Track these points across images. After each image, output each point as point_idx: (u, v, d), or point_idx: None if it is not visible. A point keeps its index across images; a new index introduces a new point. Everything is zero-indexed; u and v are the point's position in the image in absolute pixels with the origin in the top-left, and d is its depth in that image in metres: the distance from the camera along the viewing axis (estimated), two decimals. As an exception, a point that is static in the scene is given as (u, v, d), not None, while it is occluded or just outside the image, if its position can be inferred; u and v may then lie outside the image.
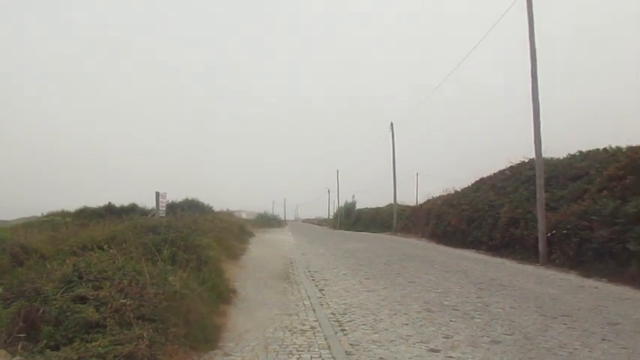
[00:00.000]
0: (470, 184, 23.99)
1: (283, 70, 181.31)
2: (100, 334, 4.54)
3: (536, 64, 14.45)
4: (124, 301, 5.11)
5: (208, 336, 5.84)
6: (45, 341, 4.38)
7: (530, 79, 14.54)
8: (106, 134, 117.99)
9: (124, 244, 8.33)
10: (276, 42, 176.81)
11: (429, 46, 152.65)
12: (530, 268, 12.92)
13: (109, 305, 4.97)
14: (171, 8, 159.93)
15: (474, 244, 18.91)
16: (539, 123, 14.50)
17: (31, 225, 20.39)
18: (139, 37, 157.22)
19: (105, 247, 8.09)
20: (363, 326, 6.73)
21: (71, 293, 5.17)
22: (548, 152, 16.31)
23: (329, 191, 79.45)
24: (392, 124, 38.18)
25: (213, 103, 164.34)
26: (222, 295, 8.30)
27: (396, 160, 38.79)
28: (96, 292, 5.20)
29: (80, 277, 5.68)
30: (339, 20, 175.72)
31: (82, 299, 5.12)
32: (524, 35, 14.66)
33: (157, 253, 7.96)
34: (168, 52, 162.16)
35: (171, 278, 6.36)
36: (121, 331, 4.63)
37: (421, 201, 37.22)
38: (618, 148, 14.94)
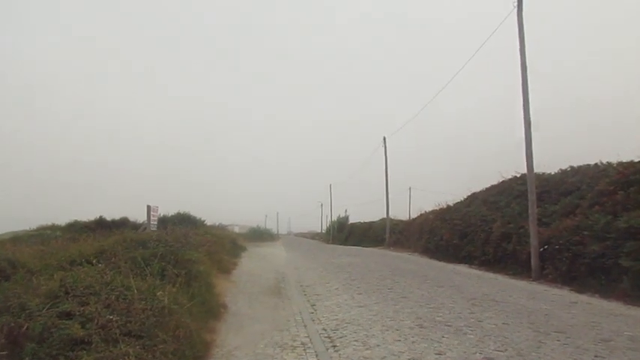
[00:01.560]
0: (462, 199, 24.02)
1: (276, 83, 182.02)
2: (85, 352, 4.44)
3: (527, 81, 14.58)
4: (111, 317, 5.01)
5: (197, 353, 5.74)
6: (28, 359, 4.28)
7: (522, 95, 14.65)
8: (97, 147, 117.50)
9: (113, 259, 8.21)
10: (267, 58, 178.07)
11: (424, 57, 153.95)
12: (522, 284, 12.89)
13: (95, 321, 4.87)
14: (159, 20, 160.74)
15: (467, 259, 18.88)
16: (531, 138, 14.59)
17: (20, 239, 20.14)
18: (131, 52, 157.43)
19: (93, 261, 7.96)
20: (355, 342, 6.65)
21: (56, 309, 5.07)
22: (540, 167, 16.40)
23: (322, 205, 79.33)
24: (384, 138, 38.31)
25: (206, 117, 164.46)
26: (212, 310, 8.20)
27: (388, 174, 38.89)
28: (82, 308, 5.10)
29: (67, 293, 5.58)
30: (329, 32, 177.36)
31: (68, 315, 5.02)
32: (521, 45, 14.80)
33: (146, 268, 7.85)
34: (161, 69, 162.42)
35: (159, 293, 6.26)
36: (106, 348, 4.54)
37: (414, 215, 37.23)
38: (609, 164, 15.03)
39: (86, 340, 4.62)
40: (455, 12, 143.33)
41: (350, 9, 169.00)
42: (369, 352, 6.16)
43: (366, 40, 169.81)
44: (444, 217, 23.71)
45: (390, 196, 39.12)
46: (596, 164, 16.03)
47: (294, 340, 6.88)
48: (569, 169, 17.39)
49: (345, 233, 54.52)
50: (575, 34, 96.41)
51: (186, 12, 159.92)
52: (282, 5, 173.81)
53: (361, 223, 52.06)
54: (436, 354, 5.99)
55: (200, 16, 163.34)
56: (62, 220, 30.15)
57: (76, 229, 25.29)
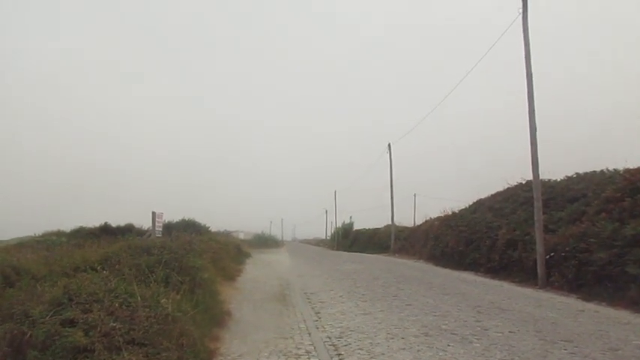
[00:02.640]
0: (467, 205, 23.93)
1: (280, 90, 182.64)
2: (88, 359, 4.41)
3: (532, 87, 14.53)
4: (114, 324, 4.99)
5: (201, 361, 5.70)
6: (30, 366, 4.26)
7: (527, 102, 14.61)
8: (103, 152, 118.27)
9: (117, 266, 8.20)
10: (270, 64, 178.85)
11: (429, 63, 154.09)
12: (529, 291, 12.78)
13: (98, 329, 4.85)
14: (164, 29, 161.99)
15: (472, 266, 18.76)
16: (537, 145, 14.52)
17: (25, 244, 20.22)
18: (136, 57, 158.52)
19: (98, 268, 7.96)
20: (360, 351, 6.59)
21: (60, 316, 5.04)
22: (545, 174, 16.32)
23: (326, 212, 79.22)
24: (389, 145, 38.29)
25: (211, 123, 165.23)
26: (216, 317, 8.17)
27: (393, 181, 38.82)
28: (85, 316, 5.07)
29: (70, 300, 5.55)
30: (331, 34, 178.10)
31: (71, 323, 4.99)
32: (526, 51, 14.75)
33: (150, 275, 7.84)
34: (165, 74, 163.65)
35: (163, 301, 6.24)
36: (109, 356, 4.52)
37: (419, 222, 37.12)
38: (615, 170, 14.94)
39: (89, 348, 4.59)
40: (458, 18, 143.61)
41: (350, 15, 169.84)
42: (373, 360, 6.11)
43: (368, 45, 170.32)
44: (449, 223, 23.61)
45: (395, 202, 39.08)
46: (602, 171, 15.95)
47: (299, 349, 6.83)
48: (574, 175, 17.31)
49: (350, 240, 54.41)
50: (578, 39, 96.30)
51: (186, 15, 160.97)
52: (282, 9, 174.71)
53: (366, 229, 51.97)
54: (441, 363, 5.93)
55: (200, 16, 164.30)
56: (67, 226, 30.28)
57: (81, 235, 25.38)
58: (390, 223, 39.31)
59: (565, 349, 6.51)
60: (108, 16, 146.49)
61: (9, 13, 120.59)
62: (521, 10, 14.74)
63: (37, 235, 28.49)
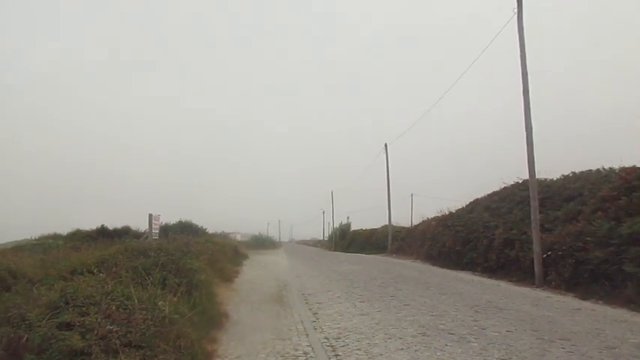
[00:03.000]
0: (464, 205, 23.95)
1: (278, 91, 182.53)
2: (85, 363, 4.40)
3: (527, 87, 14.55)
4: (111, 327, 4.97)
5: (198, 363, 5.70)
6: (27, 370, 4.25)
7: (523, 101, 14.64)
8: (100, 154, 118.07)
9: (114, 268, 8.20)
10: (268, 66, 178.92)
11: (427, 64, 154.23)
12: (526, 290, 12.81)
13: (95, 332, 4.84)
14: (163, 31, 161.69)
15: (469, 266, 18.78)
16: (533, 144, 14.56)
17: (22, 248, 20.15)
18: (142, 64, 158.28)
19: (95, 271, 7.95)
20: (357, 351, 6.59)
21: (56, 320, 5.03)
22: (541, 173, 16.34)
23: (324, 212, 79.27)
24: (386, 145, 38.34)
25: (208, 125, 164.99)
26: (213, 319, 8.17)
27: (390, 181, 38.89)
28: (82, 319, 5.06)
29: (67, 303, 5.54)
30: (331, 34, 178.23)
31: (68, 326, 4.98)
32: (521, 51, 14.78)
33: (147, 277, 7.83)
34: (162, 75, 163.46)
35: (160, 303, 6.24)
36: (106, 359, 4.50)
37: (416, 222, 37.16)
38: (611, 169, 14.98)
39: (86, 351, 4.58)
40: (458, 18, 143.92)
41: (350, 15, 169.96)
42: (371, 361, 6.11)
43: (368, 45, 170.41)
44: (446, 223, 23.63)
45: (392, 202, 39.13)
46: (598, 170, 15.98)
47: (296, 350, 6.83)
48: (571, 174, 17.34)
49: (348, 240, 54.40)
50: (578, 39, 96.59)
51: (186, 15, 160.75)
52: (282, 9, 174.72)
53: (363, 230, 51.96)
54: (439, 363, 5.93)
55: (200, 16, 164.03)
56: (64, 228, 30.23)
57: (78, 238, 25.29)
58: (387, 223, 39.36)
59: (562, 348, 6.53)
60: (108, 16, 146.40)
61: (9, 13, 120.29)
62: (516, 10, 14.79)
63: (34, 238, 28.42)
